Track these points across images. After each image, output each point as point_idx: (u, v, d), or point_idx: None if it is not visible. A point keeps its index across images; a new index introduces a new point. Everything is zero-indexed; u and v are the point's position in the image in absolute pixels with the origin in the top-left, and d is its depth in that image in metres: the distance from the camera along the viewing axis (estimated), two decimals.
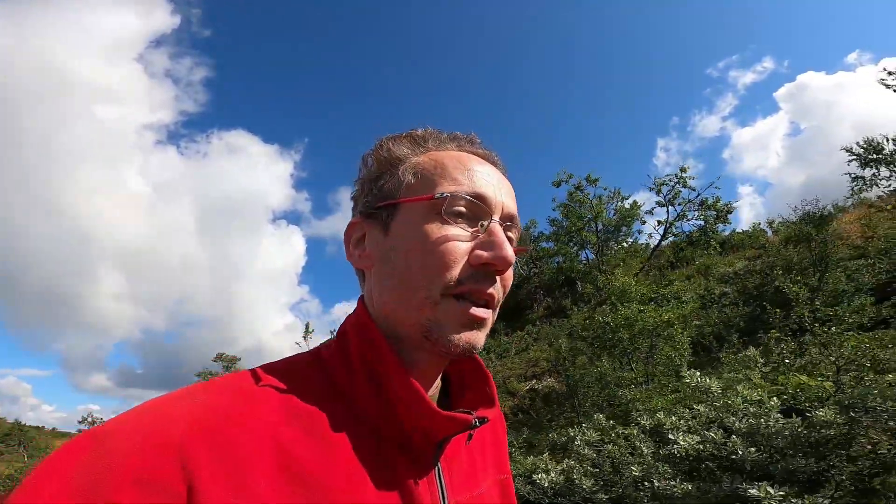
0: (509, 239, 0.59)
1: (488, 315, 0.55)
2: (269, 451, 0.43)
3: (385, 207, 0.58)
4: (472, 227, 0.55)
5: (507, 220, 0.58)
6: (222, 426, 0.42)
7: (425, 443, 0.53)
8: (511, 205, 0.59)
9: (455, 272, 0.53)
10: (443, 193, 0.54)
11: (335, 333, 0.61)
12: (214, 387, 0.47)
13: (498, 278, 0.55)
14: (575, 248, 24.12)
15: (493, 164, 0.62)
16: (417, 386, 0.51)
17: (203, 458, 0.39)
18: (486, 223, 0.55)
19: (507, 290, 0.58)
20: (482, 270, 0.54)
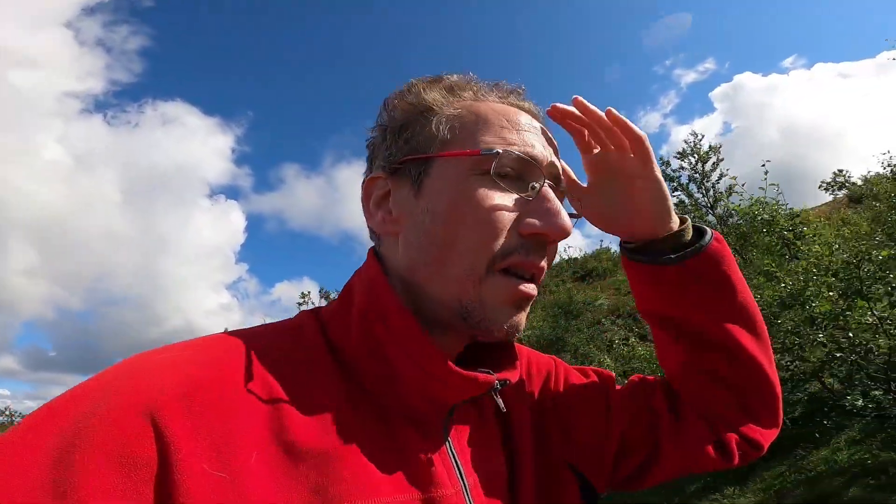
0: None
1: (535, 293, 0.49)
2: (261, 418, 0.39)
3: (415, 162, 0.51)
4: (519, 191, 0.49)
5: (555, 182, 0.53)
6: (205, 390, 0.38)
7: (433, 412, 0.48)
8: (558, 164, 0.54)
9: (503, 242, 0.47)
10: (493, 149, 0.48)
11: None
12: (198, 346, 0.43)
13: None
14: None
15: (538, 118, 0.55)
16: (434, 347, 0.45)
17: (180, 426, 0.35)
18: (537, 186, 0.49)
19: (552, 264, 0.53)
20: (533, 241, 0.48)
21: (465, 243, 0.47)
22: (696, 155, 18.67)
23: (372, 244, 0.57)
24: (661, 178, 0.57)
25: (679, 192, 18.39)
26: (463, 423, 0.53)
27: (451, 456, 0.48)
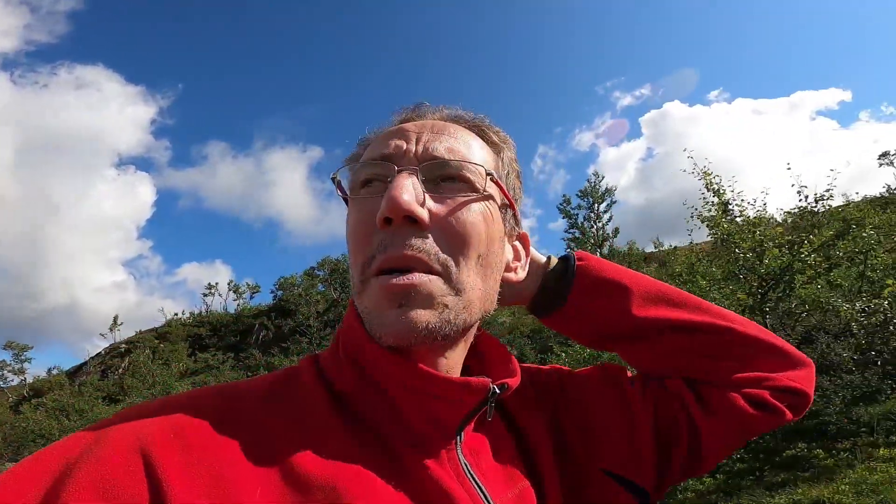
0: (448, 179, 0.49)
1: (411, 281, 0.44)
2: (262, 454, 0.39)
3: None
4: (380, 192, 0.48)
5: (428, 160, 0.49)
6: (199, 428, 0.39)
7: (440, 434, 0.47)
8: (441, 146, 0.49)
9: (368, 248, 0.46)
10: (332, 174, 0.51)
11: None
12: (191, 393, 0.44)
13: (428, 234, 0.46)
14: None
15: (419, 115, 0.54)
16: (406, 360, 0.45)
17: (174, 462, 0.36)
18: (392, 178, 0.47)
19: (461, 241, 0.47)
20: (386, 232, 0.45)
21: (351, 263, 0.49)
22: (592, 196, 20.64)
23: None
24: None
25: (575, 230, 20.39)
26: (477, 445, 0.51)
27: (472, 481, 0.47)
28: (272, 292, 30.34)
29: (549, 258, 0.64)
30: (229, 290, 31.50)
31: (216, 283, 31.61)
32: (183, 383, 20.22)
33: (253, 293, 31.86)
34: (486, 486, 0.47)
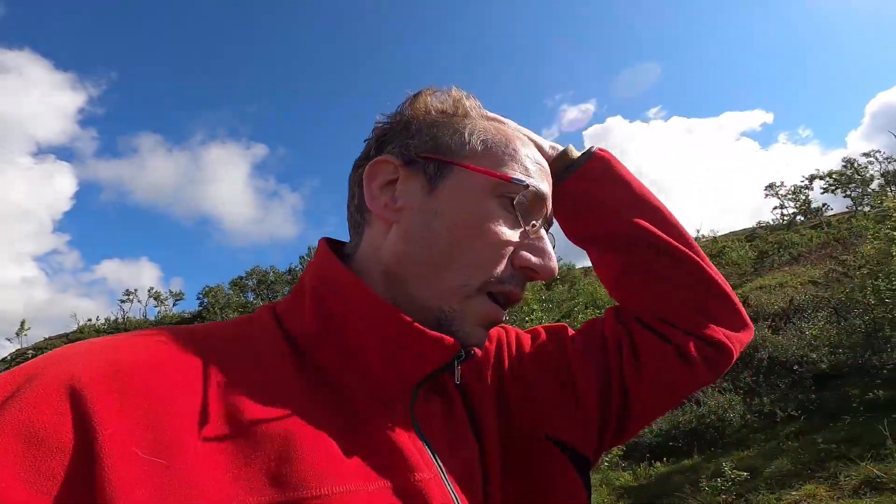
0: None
1: (503, 318, 0.52)
2: (207, 402, 0.38)
3: (434, 161, 0.51)
4: (525, 223, 0.51)
5: (549, 223, 0.56)
6: (138, 371, 0.37)
7: (399, 388, 0.47)
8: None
9: (501, 269, 0.49)
10: (521, 180, 0.50)
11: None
12: (133, 334, 0.42)
13: None
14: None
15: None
16: (397, 310, 0.46)
17: (106, 406, 0.34)
18: (537, 223, 0.52)
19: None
20: (522, 274, 0.51)
21: (468, 259, 0.49)
22: None
23: (324, 235, 0.57)
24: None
25: None
26: (428, 404, 0.52)
27: (422, 438, 0.47)
28: (198, 298, 30.79)
29: (568, 146, 0.64)
30: (149, 296, 31.41)
31: (135, 290, 31.29)
32: None
33: (176, 300, 31.86)
34: (435, 446, 0.48)
